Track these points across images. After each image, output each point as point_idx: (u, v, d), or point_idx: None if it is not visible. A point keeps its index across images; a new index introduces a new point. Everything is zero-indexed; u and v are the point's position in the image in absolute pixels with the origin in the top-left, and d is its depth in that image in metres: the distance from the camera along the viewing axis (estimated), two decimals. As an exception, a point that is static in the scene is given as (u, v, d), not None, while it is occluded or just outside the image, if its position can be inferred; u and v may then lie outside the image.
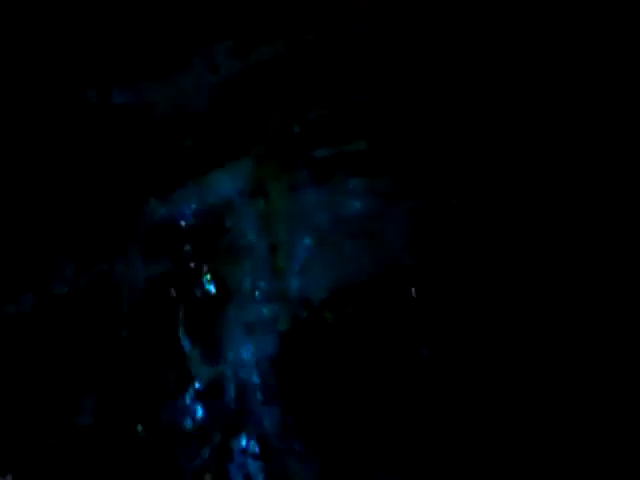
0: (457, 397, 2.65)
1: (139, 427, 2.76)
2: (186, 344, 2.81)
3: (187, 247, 2.85)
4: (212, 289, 2.83)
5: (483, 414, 2.60)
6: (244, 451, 2.76)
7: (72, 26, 2.93)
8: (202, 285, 2.84)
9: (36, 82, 2.89)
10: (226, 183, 2.88)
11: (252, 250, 2.83)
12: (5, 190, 2.88)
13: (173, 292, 2.84)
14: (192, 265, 2.85)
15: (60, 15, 2.92)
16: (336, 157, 2.85)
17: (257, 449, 2.75)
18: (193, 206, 2.88)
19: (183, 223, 2.88)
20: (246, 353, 2.78)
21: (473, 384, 2.65)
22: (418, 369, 2.67)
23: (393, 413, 2.68)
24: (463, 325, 2.69)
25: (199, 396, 2.78)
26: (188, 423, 2.77)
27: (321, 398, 2.73)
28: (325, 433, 2.72)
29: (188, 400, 2.77)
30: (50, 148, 2.91)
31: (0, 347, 2.79)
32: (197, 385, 2.79)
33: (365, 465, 2.70)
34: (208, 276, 2.84)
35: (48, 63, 2.91)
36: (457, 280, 2.72)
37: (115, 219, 2.89)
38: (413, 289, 2.72)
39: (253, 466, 2.74)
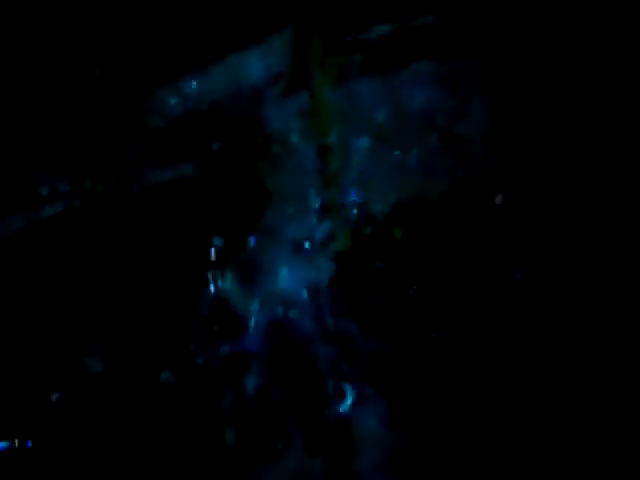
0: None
1: (163, 374, 2.22)
2: (216, 269, 2.26)
3: (212, 146, 2.28)
4: (247, 199, 2.28)
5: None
6: (283, 396, 2.26)
7: None
8: (234, 194, 2.28)
9: None
10: (258, 66, 2.30)
11: (296, 152, 2.28)
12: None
13: (197, 203, 2.28)
14: (220, 169, 2.28)
15: None
16: (397, 36, 2.30)
17: (301, 396, 2.25)
18: (217, 95, 2.30)
19: (204, 116, 2.30)
20: (295, 279, 2.25)
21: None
22: (508, 298, 2.21)
23: (470, 350, 2.22)
24: (558, 245, 2.23)
25: (233, 334, 2.25)
26: (219, 367, 2.24)
27: (386, 336, 2.25)
28: (392, 378, 2.24)
29: (218, 339, 2.24)
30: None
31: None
32: (230, 321, 2.25)
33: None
34: (241, 183, 2.28)
35: None
36: (552, 188, 2.25)
37: (117, 113, 2.28)
38: (498, 198, 2.24)
39: (294, 413, 2.25)
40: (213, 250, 2.25)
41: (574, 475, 2.07)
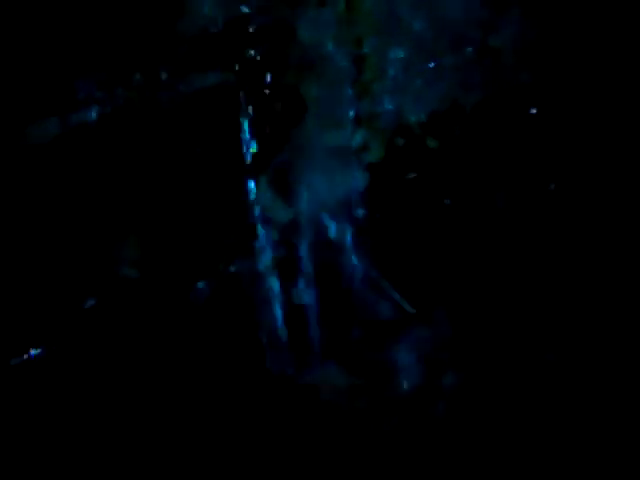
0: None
1: (200, 284, 2.29)
2: (254, 176, 2.31)
3: (248, 53, 2.29)
4: (282, 106, 2.31)
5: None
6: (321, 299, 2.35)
7: None
8: (270, 101, 2.31)
9: None
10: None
11: (331, 61, 2.29)
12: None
13: (233, 109, 2.30)
14: (256, 76, 2.30)
15: None
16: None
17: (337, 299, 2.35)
18: (253, 2, 2.29)
19: (241, 24, 2.30)
20: (328, 188, 2.31)
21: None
22: (543, 213, 2.28)
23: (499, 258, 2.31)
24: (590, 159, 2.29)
25: (271, 241, 2.32)
26: (259, 279, 2.32)
27: (418, 246, 2.33)
28: (429, 295, 2.33)
29: (258, 245, 2.31)
30: None
31: (22, 184, 2.21)
32: (269, 227, 2.32)
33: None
34: (277, 91, 2.31)
35: None
36: (585, 103, 2.29)
37: (155, 17, 2.28)
38: (533, 110, 2.28)
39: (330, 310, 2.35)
40: (249, 157, 2.29)
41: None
